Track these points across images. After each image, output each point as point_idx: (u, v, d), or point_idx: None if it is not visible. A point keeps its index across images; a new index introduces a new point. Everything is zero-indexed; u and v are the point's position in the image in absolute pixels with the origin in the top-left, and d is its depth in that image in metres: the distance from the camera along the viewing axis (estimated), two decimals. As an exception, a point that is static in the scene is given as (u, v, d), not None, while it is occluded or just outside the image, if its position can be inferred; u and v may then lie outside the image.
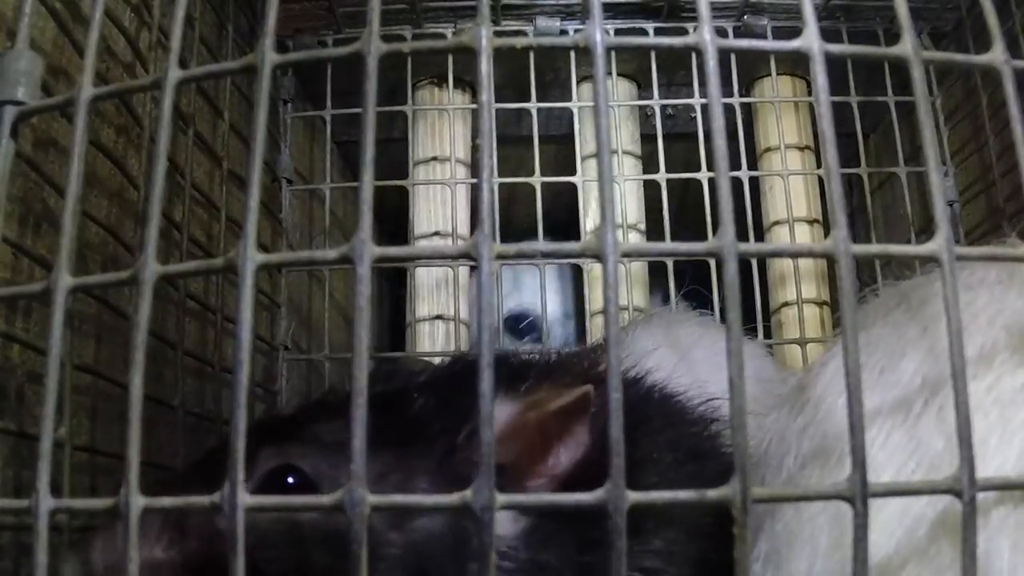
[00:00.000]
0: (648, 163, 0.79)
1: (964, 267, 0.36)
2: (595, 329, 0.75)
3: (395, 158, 0.77)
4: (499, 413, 0.37)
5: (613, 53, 0.74)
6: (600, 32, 0.24)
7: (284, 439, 0.37)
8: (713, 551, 0.38)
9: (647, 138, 0.80)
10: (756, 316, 0.73)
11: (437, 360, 0.58)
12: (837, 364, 0.36)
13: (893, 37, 0.27)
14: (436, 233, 0.76)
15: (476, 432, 0.38)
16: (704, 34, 0.24)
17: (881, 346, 0.36)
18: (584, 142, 0.79)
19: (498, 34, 0.24)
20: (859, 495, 0.22)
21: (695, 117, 0.77)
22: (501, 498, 0.22)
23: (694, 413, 0.47)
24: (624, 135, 0.79)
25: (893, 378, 0.35)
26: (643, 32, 0.77)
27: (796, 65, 0.79)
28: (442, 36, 0.76)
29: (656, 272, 0.78)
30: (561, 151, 0.80)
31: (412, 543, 0.35)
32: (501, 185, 0.74)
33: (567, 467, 0.37)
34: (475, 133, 0.79)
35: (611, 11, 0.77)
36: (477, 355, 0.22)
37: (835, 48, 0.25)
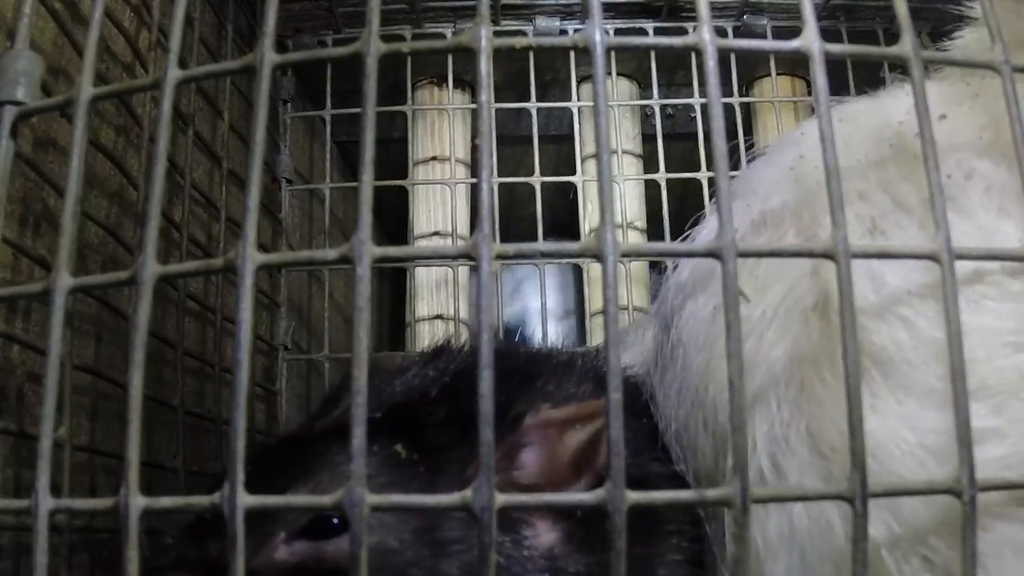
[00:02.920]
0: (648, 163, 0.79)
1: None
2: (595, 329, 0.75)
3: (395, 158, 0.77)
4: (533, 442, 0.38)
5: (613, 53, 0.74)
6: (600, 32, 0.24)
7: (315, 473, 0.37)
8: None
9: (647, 138, 0.80)
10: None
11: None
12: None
13: (893, 37, 0.27)
14: (436, 233, 0.76)
15: (511, 450, 0.38)
16: (704, 34, 0.24)
17: None
18: (584, 142, 0.79)
19: (498, 34, 0.24)
20: (859, 495, 0.22)
21: (695, 117, 0.77)
22: (500, 498, 0.22)
23: None
24: (624, 135, 0.79)
25: None
26: (643, 32, 0.77)
27: (796, 65, 0.79)
28: (442, 36, 0.76)
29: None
30: (561, 151, 0.80)
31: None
32: (501, 185, 0.74)
33: (593, 481, 0.37)
34: (475, 133, 0.79)
35: (611, 11, 0.77)
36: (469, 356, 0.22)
37: (835, 48, 0.25)
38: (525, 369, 0.42)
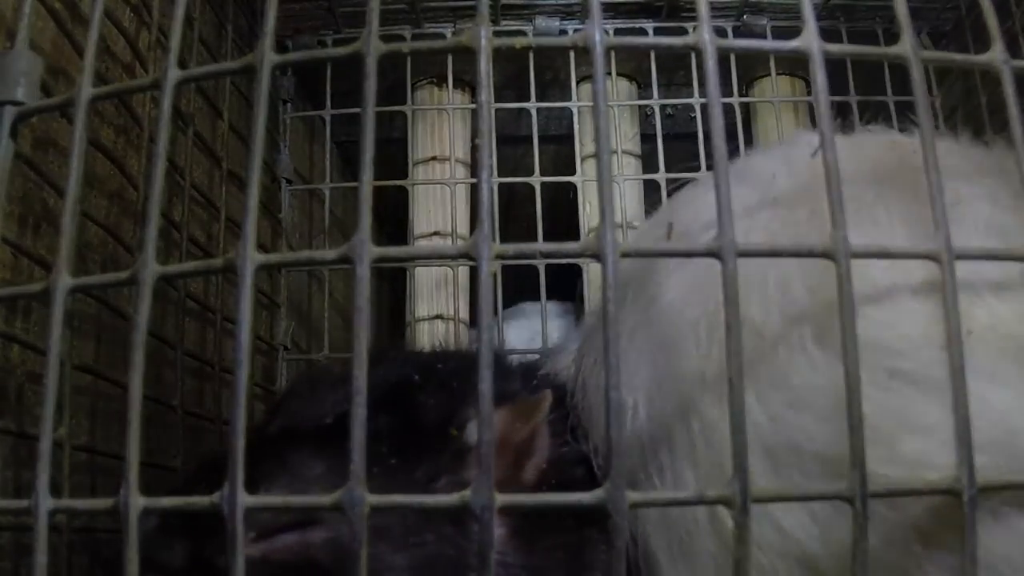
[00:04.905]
0: (648, 163, 0.79)
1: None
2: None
3: (395, 158, 0.77)
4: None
5: (612, 53, 0.74)
6: (599, 32, 0.24)
7: (273, 476, 0.37)
8: None
9: (647, 138, 0.80)
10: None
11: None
12: None
13: (893, 37, 0.27)
14: (436, 233, 0.76)
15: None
16: (703, 34, 0.24)
17: None
18: (583, 142, 0.79)
19: (497, 34, 0.24)
20: (859, 495, 0.22)
21: (695, 117, 0.77)
22: (500, 498, 0.22)
23: None
24: (623, 135, 0.79)
25: None
26: (643, 32, 0.77)
27: (795, 65, 0.79)
28: (442, 36, 0.76)
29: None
30: (561, 151, 0.80)
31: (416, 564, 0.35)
32: (501, 185, 0.74)
33: (534, 476, 0.38)
34: (474, 133, 0.79)
35: (611, 11, 0.77)
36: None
37: (834, 48, 0.25)
38: (463, 371, 0.42)
